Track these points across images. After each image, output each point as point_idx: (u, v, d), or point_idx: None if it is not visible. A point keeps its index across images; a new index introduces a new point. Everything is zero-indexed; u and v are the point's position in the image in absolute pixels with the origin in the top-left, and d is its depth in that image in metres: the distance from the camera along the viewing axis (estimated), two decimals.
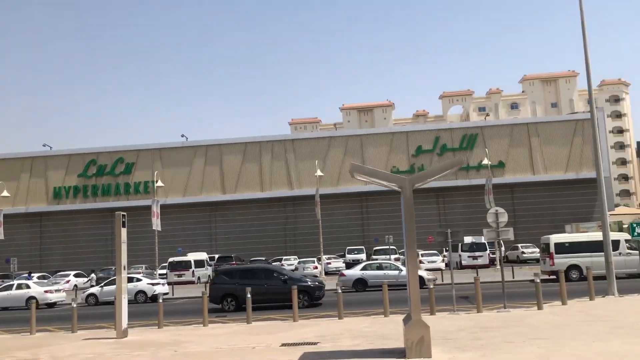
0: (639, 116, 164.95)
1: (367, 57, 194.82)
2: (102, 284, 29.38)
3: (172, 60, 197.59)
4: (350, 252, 45.13)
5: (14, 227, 51.30)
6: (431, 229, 39.56)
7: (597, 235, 25.26)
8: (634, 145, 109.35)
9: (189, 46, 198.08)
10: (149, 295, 28.20)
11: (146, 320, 19.37)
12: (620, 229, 37.90)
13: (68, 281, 39.47)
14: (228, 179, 52.97)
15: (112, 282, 27.25)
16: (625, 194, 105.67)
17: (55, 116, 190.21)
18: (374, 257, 40.96)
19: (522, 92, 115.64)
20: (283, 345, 12.27)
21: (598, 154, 20.25)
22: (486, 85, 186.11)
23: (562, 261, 26.67)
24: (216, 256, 45.66)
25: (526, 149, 51.35)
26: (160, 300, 17.67)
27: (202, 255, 42.85)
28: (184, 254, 44.19)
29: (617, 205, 70.88)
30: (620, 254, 25.91)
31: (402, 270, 26.77)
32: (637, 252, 25.79)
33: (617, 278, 23.50)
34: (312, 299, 21.48)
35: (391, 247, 40.77)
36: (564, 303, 17.26)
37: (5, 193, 42.11)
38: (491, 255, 39.73)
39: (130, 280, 28.33)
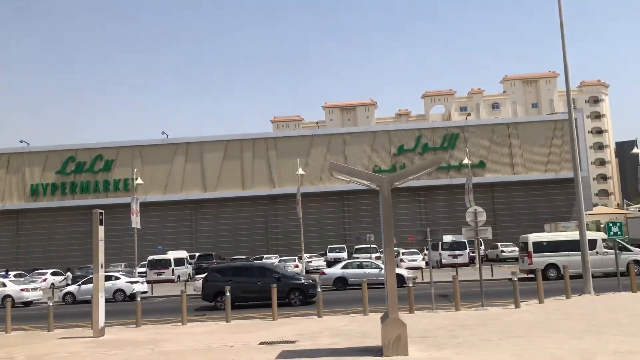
0: (617, 117, 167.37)
1: (350, 56, 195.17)
2: (80, 283, 29.07)
3: (153, 57, 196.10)
4: (332, 250, 45.19)
5: None
6: (412, 227, 39.76)
7: (574, 235, 25.57)
8: (613, 146, 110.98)
9: (171, 43, 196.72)
10: (128, 293, 27.96)
11: (124, 319, 19.20)
12: (598, 229, 38.43)
13: (45, 279, 38.97)
14: (209, 176, 52.68)
15: (90, 281, 26.88)
16: (604, 193, 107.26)
17: (32, 112, 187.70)
18: (355, 255, 41.05)
19: (503, 92, 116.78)
20: (261, 343, 12.24)
21: (575, 154, 20.50)
22: (468, 85, 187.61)
23: (540, 260, 26.96)
24: (196, 254, 45.44)
25: (506, 149, 51.83)
26: (139, 299, 17.51)
27: (182, 254, 42.61)
28: (164, 252, 43.87)
29: (595, 205, 71.90)
30: (597, 253, 26.26)
31: (382, 269, 26.84)
32: (614, 251, 26.15)
33: (594, 277, 23.86)
34: (306, 296, 21.46)
35: (372, 245, 40.90)
36: (540, 301, 17.46)
37: None
38: (471, 254, 40.04)
39: (108, 278, 28.08)
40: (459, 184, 46.70)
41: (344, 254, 43.69)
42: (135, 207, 35.87)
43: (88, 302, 24.99)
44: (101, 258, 15.04)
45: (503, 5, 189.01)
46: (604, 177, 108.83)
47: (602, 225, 40.39)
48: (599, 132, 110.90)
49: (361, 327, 14.01)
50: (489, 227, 17.60)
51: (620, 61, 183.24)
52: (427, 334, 12.35)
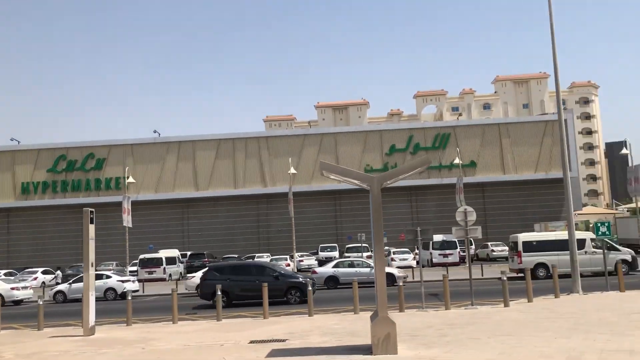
0: (607, 118, 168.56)
1: (343, 55, 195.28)
2: (71, 281, 28.98)
3: (146, 55, 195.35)
4: (323, 249, 45.26)
5: None
6: (403, 227, 39.94)
7: (563, 234, 25.76)
8: (603, 146, 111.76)
9: (164, 41, 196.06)
10: (119, 292, 27.90)
11: (115, 318, 19.19)
12: (588, 229, 38.70)
13: (35, 278, 38.79)
14: (201, 175, 52.62)
15: (81, 279, 26.81)
16: (593, 194, 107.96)
17: (23, 110, 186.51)
18: (347, 254, 41.15)
19: (495, 92, 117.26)
20: (251, 342, 12.28)
21: (565, 154, 20.65)
22: (460, 85, 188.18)
23: (530, 259, 27.15)
24: (188, 253, 45.39)
25: (497, 149, 52.10)
26: (129, 298, 17.49)
27: (174, 252, 42.55)
28: (156, 251, 43.79)
29: (585, 205, 72.31)
30: (585, 252, 26.48)
31: (373, 268, 26.95)
32: (602, 251, 26.37)
33: (582, 276, 24.09)
34: (304, 295, 21.51)
35: (363, 244, 41.02)
36: (529, 300, 17.60)
37: None
38: (461, 253, 40.23)
39: (99, 277, 28.05)
40: (450, 184, 46.92)
41: (336, 253, 43.79)
42: (126, 205, 35.80)
43: (79, 300, 24.91)
44: (92, 257, 15.02)
45: (495, 6, 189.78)
46: (593, 178, 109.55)
47: (591, 225, 40.70)
48: (589, 132, 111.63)
49: (351, 326, 14.09)
50: (478, 227, 17.73)
51: (611, 63, 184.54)
52: (417, 333, 12.44)
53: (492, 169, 51.86)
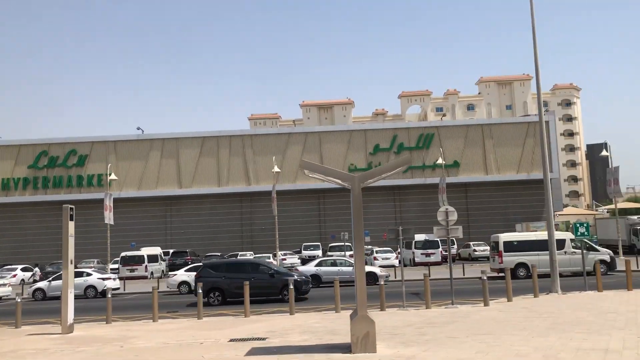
0: (589, 120, 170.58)
1: (328, 55, 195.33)
2: (50, 279, 28.69)
3: (129, 51, 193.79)
4: (307, 248, 45.30)
5: None
6: (387, 226, 40.04)
7: (544, 235, 25.99)
8: (584, 148, 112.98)
9: (148, 38, 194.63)
10: (99, 290, 27.66)
11: (95, 316, 19.04)
12: (568, 229, 39.16)
13: (15, 275, 38.35)
14: (184, 173, 52.36)
15: (61, 277, 26.61)
16: (574, 195, 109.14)
17: (3, 105, 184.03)
18: (330, 253, 41.20)
19: (479, 93, 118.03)
20: (231, 340, 12.27)
21: (545, 156, 20.88)
22: (444, 86, 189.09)
23: (510, 259, 27.40)
24: (171, 251, 45.17)
25: (480, 150, 52.48)
26: (109, 295, 17.36)
27: (156, 250, 42.29)
28: (138, 249, 43.50)
29: (565, 206, 73.14)
30: (565, 252, 26.78)
31: None
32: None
33: (562, 276, 24.41)
34: (300, 292, 21.54)
35: (347, 243, 41.11)
36: (509, 300, 17.78)
37: None
38: (444, 253, 40.48)
39: (80, 274, 27.82)
40: (434, 184, 47.19)
41: (319, 252, 43.85)
42: (108, 203, 35.53)
43: (58, 298, 24.60)
44: (71, 254, 14.90)
45: (480, 8, 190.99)
46: (574, 179, 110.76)
47: (570, 226, 41.20)
48: (571, 134, 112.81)
49: (332, 325, 14.12)
50: (459, 226, 17.85)
51: (593, 65, 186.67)
52: (396, 331, 12.51)
53: (474, 170, 52.24)
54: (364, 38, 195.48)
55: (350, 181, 10.61)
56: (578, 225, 20.86)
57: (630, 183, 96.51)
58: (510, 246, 28.01)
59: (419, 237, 39.45)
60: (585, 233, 20.78)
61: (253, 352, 10.71)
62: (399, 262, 38.62)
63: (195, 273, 27.63)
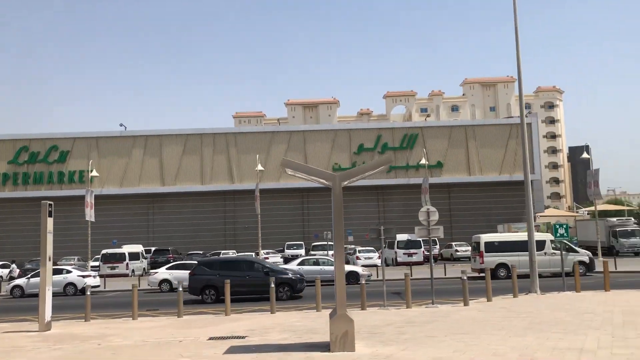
0: (571, 123, 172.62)
1: (314, 54, 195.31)
2: (29, 276, 28.35)
3: (112, 46, 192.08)
4: (290, 247, 45.26)
5: None
6: (371, 226, 40.04)
7: (525, 235, 26.21)
8: (566, 150, 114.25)
9: (132, 33, 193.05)
10: (79, 287, 27.39)
11: (74, 313, 18.85)
12: (549, 230, 39.56)
13: None
14: (167, 170, 52.04)
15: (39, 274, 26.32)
16: (556, 196, 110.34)
17: None
18: (313, 252, 41.21)
19: (463, 95, 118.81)
20: (210, 339, 12.21)
21: (526, 157, 21.07)
22: (429, 86, 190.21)
23: (491, 259, 27.60)
24: (152, 249, 44.86)
25: (463, 151, 52.82)
26: (88, 293, 17.19)
27: (138, 248, 41.98)
28: (119, 246, 43.15)
29: (547, 207, 73.94)
30: (545, 253, 27.04)
31: None
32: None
33: (542, 277, 24.63)
34: (294, 291, 21.51)
35: (329, 243, 41.14)
36: (489, 300, 17.91)
37: None
38: (426, 253, 40.68)
39: (59, 272, 27.57)
40: (417, 184, 47.34)
41: (302, 251, 43.83)
42: (89, 199, 35.16)
43: (37, 295, 24.31)
44: (49, 251, 14.75)
45: (466, 10, 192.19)
46: (556, 181, 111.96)
47: (551, 227, 41.66)
48: (553, 136, 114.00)
49: (312, 323, 14.12)
50: (440, 226, 17.95)
51: (576, 69, 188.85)
52: (376, 330, 12.55)
53: (458, 170, 52.56)
54: (350, 38, 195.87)
55: (331, 180, 10.61)
56: (557, 226, 21.15)
57: (610, 185, 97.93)
58: (491, 247, 28.22)
59: (402, 237, 39.58)
60: (565, 234, 21.07)
61: (232, 350, 10.67)
62: (381, 261, 38.80)
63: (176, 271, 27.58)
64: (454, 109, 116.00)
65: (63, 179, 51.42)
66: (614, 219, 48.04)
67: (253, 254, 41.52)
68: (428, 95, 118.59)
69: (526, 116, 45.79)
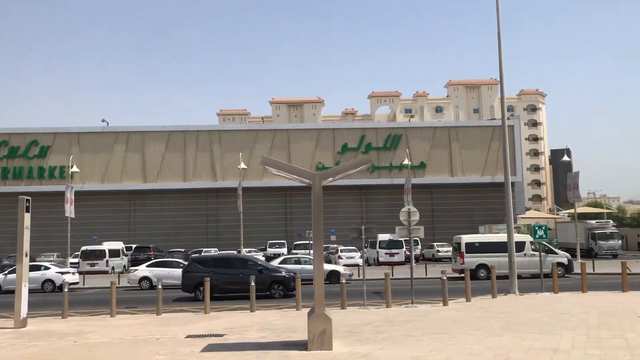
0: (553, 125, 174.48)
1: (300, 53, 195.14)
2: (7, 272, 27.98)
3: (96, 39, 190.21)
4: (272, 246, 45.17)
5: None
6: (352, 225, 40.16)
7: (505, 237, 26.43)
8: (548, 153, 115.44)
9: (116, 27, 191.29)
10: (58, 284, 27.07)
11: (51, 310, 18.63)
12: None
13: None
14: (150, 167, 51.63)
15: None
16: (537, 198, 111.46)
17: None
18: (294, 251, 41.16)
19: (447, 96, 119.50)
20: (188, 336, 12.15)
21: (506, 159, 21.25)
22: (413, 87, 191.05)
23: (472, 260, 27.80)
24: (133, 246, 44.49)
25: (446, 152, 53.09)
26: (66, 289, 17.01)
27: (118, 245, 41.61)
28: (99, 243, 42.73)
29: (528, 209, 74.66)
30: (525, 255, 27.30)
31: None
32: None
33: (522, 278, 24.87)
34: (288, 289, 21.45)
35: (312, 242, 41.16)
36: (468, 300, 18.05)
37: None
38: (407, 253, 40.84)
39: (38, 268, 27.27)
40: (400, 184, 47.54)
41: (284, 250, 43.76)
42: (69, 195, 34.82)
43: (15, 292, 24.06)
44: (26, 247, 14.58)
45: (451, 12, 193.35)
46: (538, 183, 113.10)
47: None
48: (535, 139, 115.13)
49: (291, 322, 14.12)
50: (421, 227, 18.05)
51: (559, 72, 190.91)
52: (354, 329, 12.58)
53: (440, 171, 52.83)
54: (336, 38, 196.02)
55: (311, 178, 10.61)
56: (536, 228, 21.31)
57: (591, 188, 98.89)
58: (472, 247, 28.43)
59: (384, 236, 39.68)
60: (543, 236, 21.23)
61: (209, 348, 10.63)
62: (362, 261, 38.88)
63: (157, 268, 27.40)
64: (438, 110, 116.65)
65: (43, 175, 50.80)
66: (594, 222, 48.63)
67: (235, 252, 41.38)
68: (412, 96, 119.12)
69: (509, 118, 46.35)
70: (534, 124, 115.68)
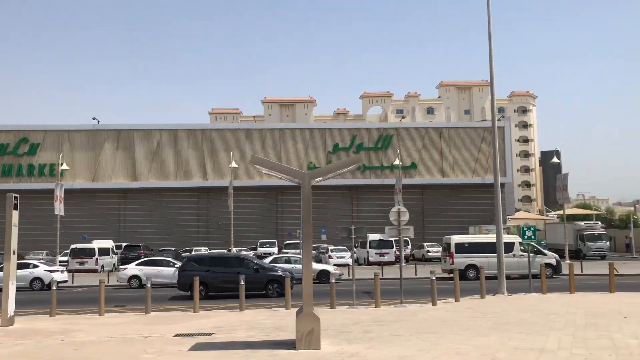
0: (543, 127, 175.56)
1: (292, 52, 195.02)
2: None
3: (86, 37, 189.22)
4: (262, 245, 45.11)
5: None
6: (342, 225, 40.21)
7: (494, 237, 26.56)
8: (538, 154, 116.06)
9: (107, 24, 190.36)
10: (46, 282, 26.89)
11: (39, 309, 18.52)
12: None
13: None
14: (140, 165, 51.43)
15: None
16: (527, 200, 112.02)
17: None
18: (285, 251, 41.17)
19: (439, 97, 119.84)
20: (177, 335, 12.13)
21: (496, 160, 21.35)
22: (405, 88, 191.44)
23: (461, 260, 27.93)
24: (123, 244, 44.32)
25: (437, 152, 53.25)
26: (54, 288, 16.94)
27: (108, 243, 41.44)
28: (89, 241, 42.52)
29: (518, 210, 75.03)
30: (514, 255, 27.47)
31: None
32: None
33: (510, 278, 25.02)
34: (284, 288, 21.38)
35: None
36: (456, 300, 18.13)
37: None
38: (397, 253, 40.94)
39: (26, 266, 27.12)
40: (391, 184, 47.63)
41: (275, 249, 43.71)
42: (59, 193, 34.62)
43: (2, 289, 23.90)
44: (14, 244, 14.51)
45: (443, 13, 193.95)
46: (528, 184, 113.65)
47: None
48: (526, 140, 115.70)
49: (280, 321, 14.13)
50: (411, 227, 18.10)
51: (549, 74, 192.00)
52: (343, 329, 12.61)
53: (431, 172, 52.98)
54: (329, 38, 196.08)
55: (300, 178, 10.63)
56: (525, 229, 21.42)
57: (580, 190, 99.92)
58: (462, 248, 28.56)
59: (374, 236, 39.74)
60: (532, 237, 21.34)
61: (197, 347, 10.62)
62: (352, 261, 38.93)
63: (146, 267, 27.31)
64: (430, 111, 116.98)
65: (33, 172, 50.47)
66: (582, 223, 48.95)
67: (225, 251, 41.30)
68: (404, 96, 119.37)
69: (499, 120, 46.63)
70: (525, 125, 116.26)
